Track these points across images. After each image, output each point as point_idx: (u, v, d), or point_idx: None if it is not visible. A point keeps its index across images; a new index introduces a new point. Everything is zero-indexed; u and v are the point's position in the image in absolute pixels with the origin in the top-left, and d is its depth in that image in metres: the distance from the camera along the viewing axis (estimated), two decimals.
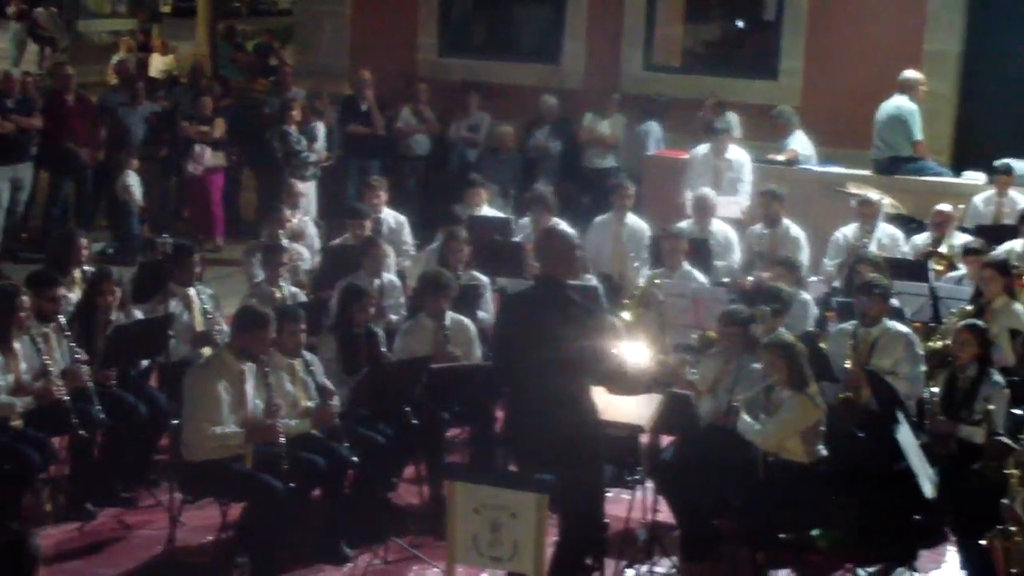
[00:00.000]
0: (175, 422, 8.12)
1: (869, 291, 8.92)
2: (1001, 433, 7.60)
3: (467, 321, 9.35)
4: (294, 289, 10.26)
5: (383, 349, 9.05)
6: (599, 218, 12.26)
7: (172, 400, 8.48)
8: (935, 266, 10.85)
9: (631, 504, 8.37)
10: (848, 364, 8.70)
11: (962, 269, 10.66)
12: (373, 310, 9.27)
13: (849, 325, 9.05)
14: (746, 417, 7.85)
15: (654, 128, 15.38)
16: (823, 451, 7.92)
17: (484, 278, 10.63)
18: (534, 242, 8.62)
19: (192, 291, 9.56)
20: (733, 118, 14.67)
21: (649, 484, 8.26)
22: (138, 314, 9.25)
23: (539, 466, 6.69)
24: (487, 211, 12.37)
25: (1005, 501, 6.71)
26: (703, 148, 13.40)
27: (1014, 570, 6.53)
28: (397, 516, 8.59)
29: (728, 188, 13.05)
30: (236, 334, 8.07)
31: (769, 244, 11.54)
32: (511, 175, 15.23)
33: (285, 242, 10.95)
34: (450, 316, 9.17)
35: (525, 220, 12.04)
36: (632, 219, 12.08)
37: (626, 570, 7.97)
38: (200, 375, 7.88)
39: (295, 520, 7.87)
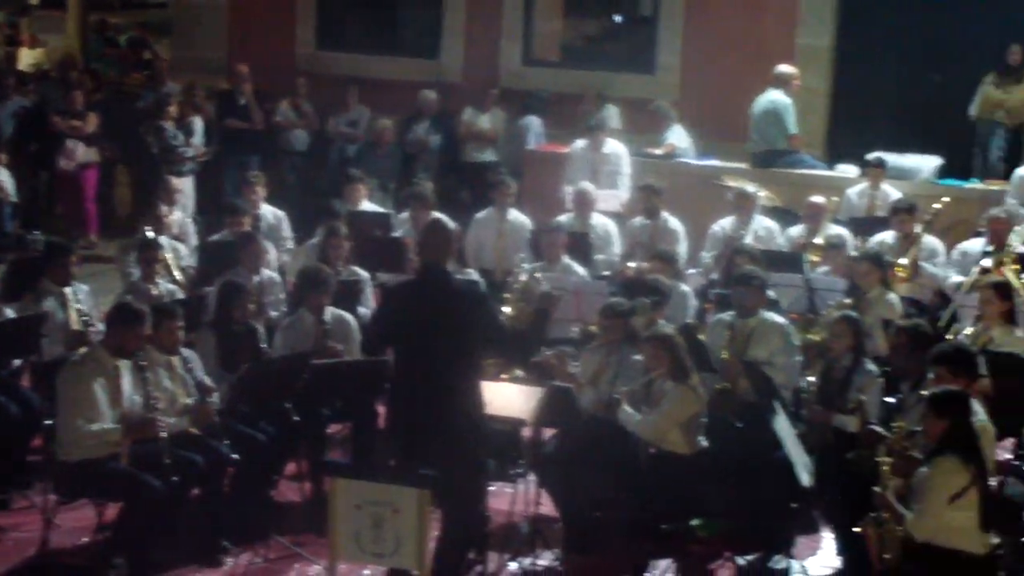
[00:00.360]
0: (48, 422, 7.97)
1: (746, 282, 9.03)
2: (874, 422, 7.74)
3: (348, 317, 9.29)
4: (171, 286, 10.12)
5: (263, 345, 8.96)
6: (480, 214, 12.27)
7: (45, 400, 8.31)
8: (810, 257, 11.03)
9: (514, 497, 8.38)
10: (725, 355, 8.80)
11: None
12: (252, 306, 9.18)
13: (727, 316, 9.16)
14: (628, 409, 7.92)
15: (534, 123, 15.43)
16: (704, 442, 8.02)
17: (364, 273, 10.58)
18: (414, 237, 8.62)
19: (68, 290, 9.38)
20: (612, 111, 14.78)
21: (531, 477, 8.27)
22: (9, 313, 9.05)
23: (422, 460, 6.69)
24: (367, 206, 12.31)
25: (877, 489, 6.86)
26: (581, 143, 13.46)
27: (886, 556, 6.68)
28: (278, 514, 8.52)
29: (607, 182, 13.13)
30: (110, 331, 7.93)
31: (649, 237, 11.65)
32: (390, 170, 15.19)
33: (163, 239, 10.77)
34: (330, 312, 9.11)
35: (404, 215, 12.01)
36: (514, 214, 12.11)
37: (509, 563, 7.98)
38: (74, 373, 7.72)
39: (173, 519, 7.75)
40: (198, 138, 14.84)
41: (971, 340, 8.83)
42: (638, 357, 8.27)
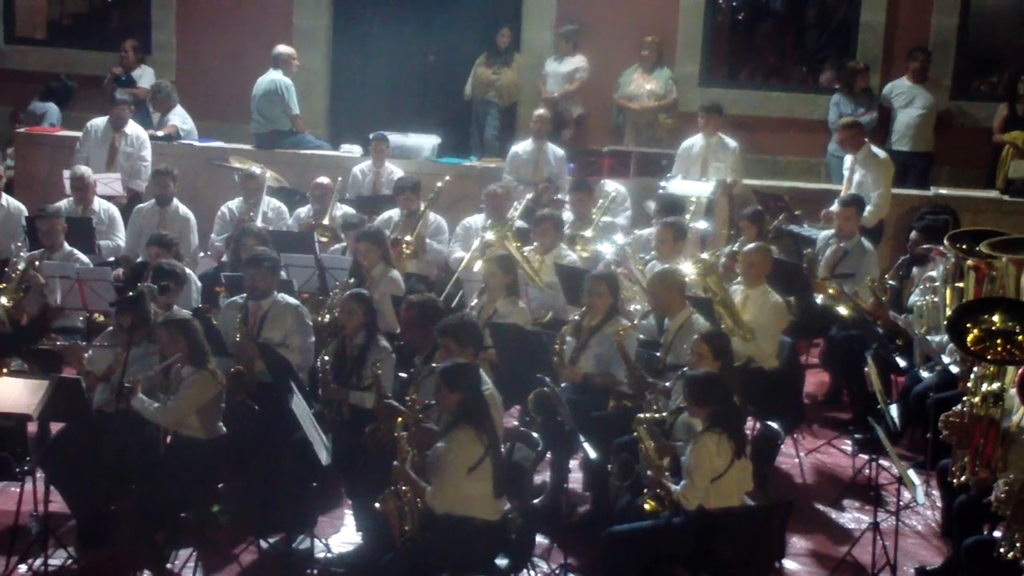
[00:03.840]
0: None
1: (257, 264, 9.04)
2: (389, 396, 7.96)
3: None
4: None
5: None
6: None
7: None
8: (320, 237, 11.19)
9: (20, 496, 8.04)
10: (239, 338, 8.80)
11: (345, 241, 11.09)
12: None
13: (239, 299, 9.15)
14: (143, 397, 7.77)
15: (52, 109, 14.88)
16: (223, 428, 7.99)
17: None
18: None
19: None
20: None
21: (39, 474, 7.98)
22: None
23: None
24: None
25: (396, 463, 7.07)
26: (100, 121, 13.11)
27: (407, 527, 6.91)
28: None
29: (125, 163, 12.85)
30: None
31: (159, 223, 11.46)
32: None
33: None
34: None
35: None
36: (7, 200, 11.59)
37: (19, 566, 7.67)
38: None
39: None
40: None
41: (476, 312, 9.24)
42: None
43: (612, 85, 14.66)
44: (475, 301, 9.59)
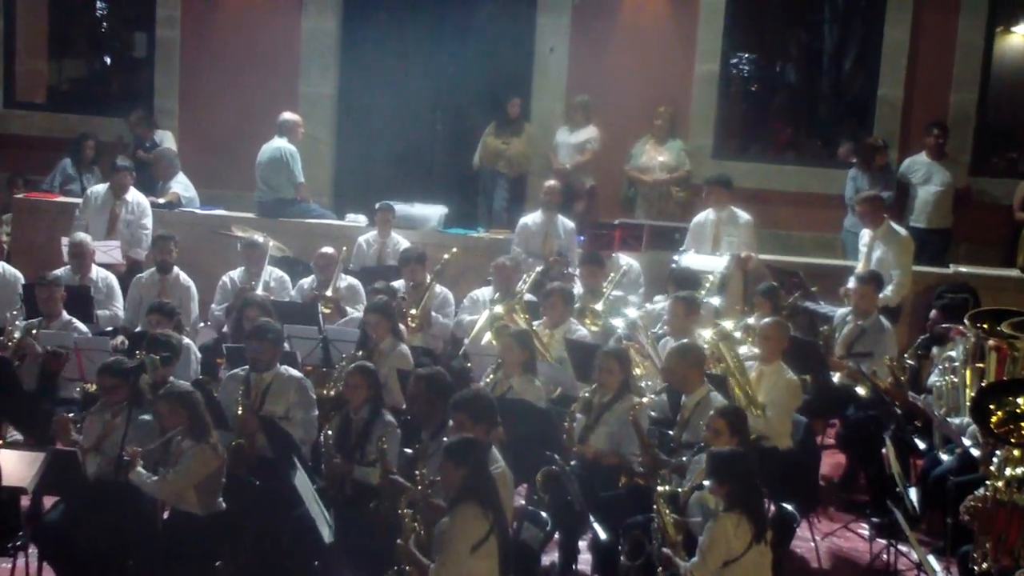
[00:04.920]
0: None
1: (261, 336, 9.06)
2: (394, 472, 7.95)
3: None
4: None
5: None
6: None
7: None
8: (323, 309, 11.21)
9: (12, 573, 8.01)
10: (240, 411, 8.79)
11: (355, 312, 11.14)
12: None
13: (241, 371, 9.15)
14: (141, 470, 7.75)
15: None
16: (222, 503, 7.96)
17: None
18: None
19: None
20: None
21: (32, 550, 7.95)
22: None
23: None
24: None
25: (400, 542, 7.05)
26: (101, 188, 13.23)
27: None
28: None
29: (127, 232, 12.92)
30: None
31: (158, 292, 11.50)
32: None
33: None
34: None
35: None
36: (3, 267, 11.65)
37: None
38: None
39: None
40: None
41: (490, 387, 9.23)
42: (146, 417, 8.14)
43: (623, 156, 14.74)
44: (489, 377, 9.54)
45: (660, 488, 7.49)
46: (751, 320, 10.74)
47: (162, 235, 12.00)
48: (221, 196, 14.82)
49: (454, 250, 12.26)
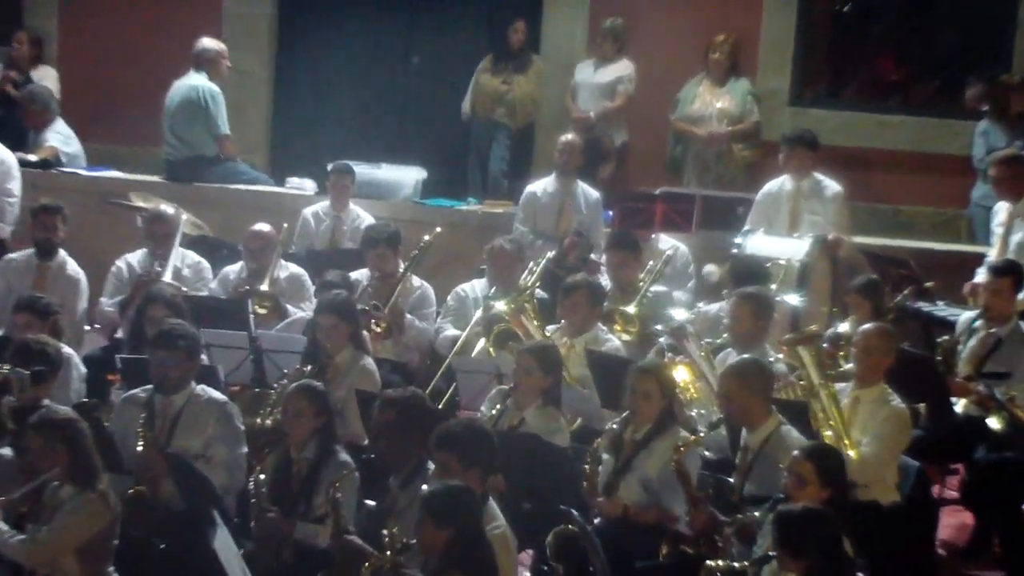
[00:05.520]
0: None
1: (168, 344, 9.03)
2: (352, 531, 7.91)
3: None
4: None
5: None
6: None
7: None
8: (257, 308, 11.16)
9: None
10: (141, 447, 8.75)
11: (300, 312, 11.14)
12: None
13: (141, 392, 9.15)
14: (2, 526, 7.72)
15: None
16: (114, 574, 7.94)
17: None
18: None
19: None
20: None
21: None
22: None
23: None
24: None
25: None
26: None
27: None
28: None
29: None
30: None
31: (34, 282, 11.44)
32: None
33: None
34: None
35: None
36: None
37: None
38: None
39: None
40: None
41: (495, 420, 9.12)
42: (6, 452, 8.18)
43: (668, 103, 14.73)
44: (497, 406, 9.45)
45: (709, 564, 7.46)
46: (843, 327, 10.71)
47: (46, 205, 11.90)
48: (114, 153, 14.84)
49: (437, 229, 12.27)
